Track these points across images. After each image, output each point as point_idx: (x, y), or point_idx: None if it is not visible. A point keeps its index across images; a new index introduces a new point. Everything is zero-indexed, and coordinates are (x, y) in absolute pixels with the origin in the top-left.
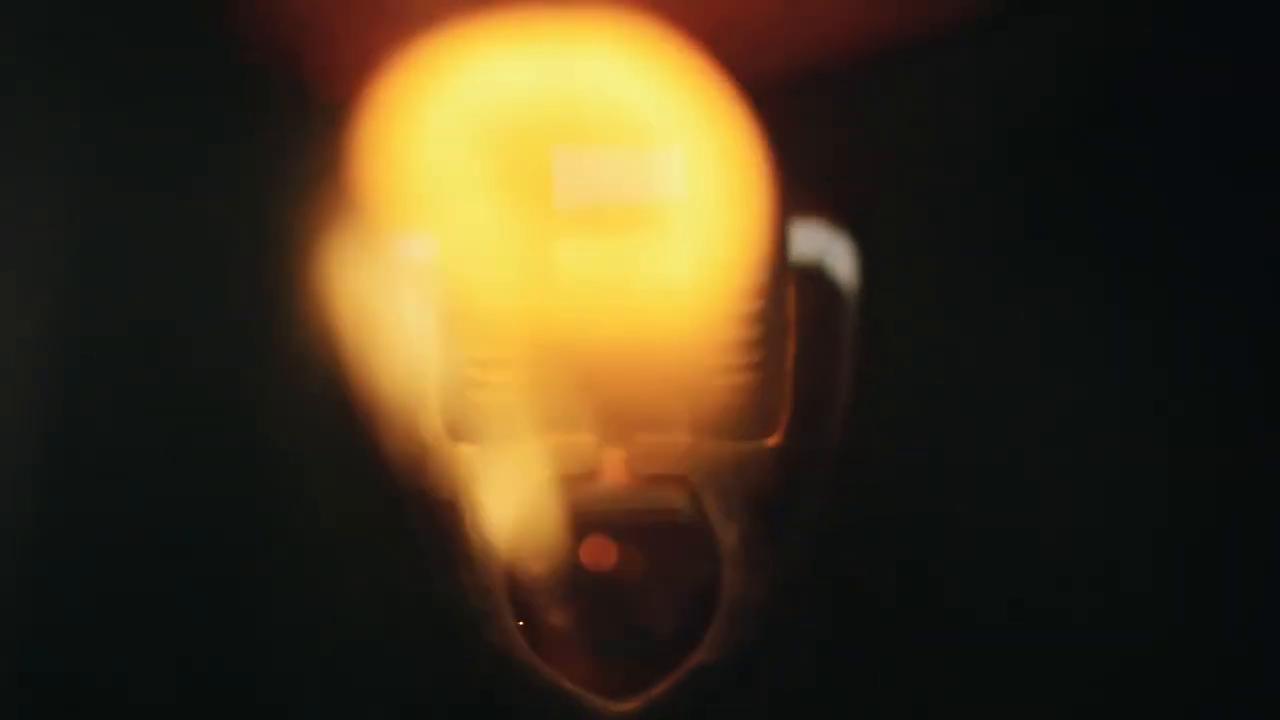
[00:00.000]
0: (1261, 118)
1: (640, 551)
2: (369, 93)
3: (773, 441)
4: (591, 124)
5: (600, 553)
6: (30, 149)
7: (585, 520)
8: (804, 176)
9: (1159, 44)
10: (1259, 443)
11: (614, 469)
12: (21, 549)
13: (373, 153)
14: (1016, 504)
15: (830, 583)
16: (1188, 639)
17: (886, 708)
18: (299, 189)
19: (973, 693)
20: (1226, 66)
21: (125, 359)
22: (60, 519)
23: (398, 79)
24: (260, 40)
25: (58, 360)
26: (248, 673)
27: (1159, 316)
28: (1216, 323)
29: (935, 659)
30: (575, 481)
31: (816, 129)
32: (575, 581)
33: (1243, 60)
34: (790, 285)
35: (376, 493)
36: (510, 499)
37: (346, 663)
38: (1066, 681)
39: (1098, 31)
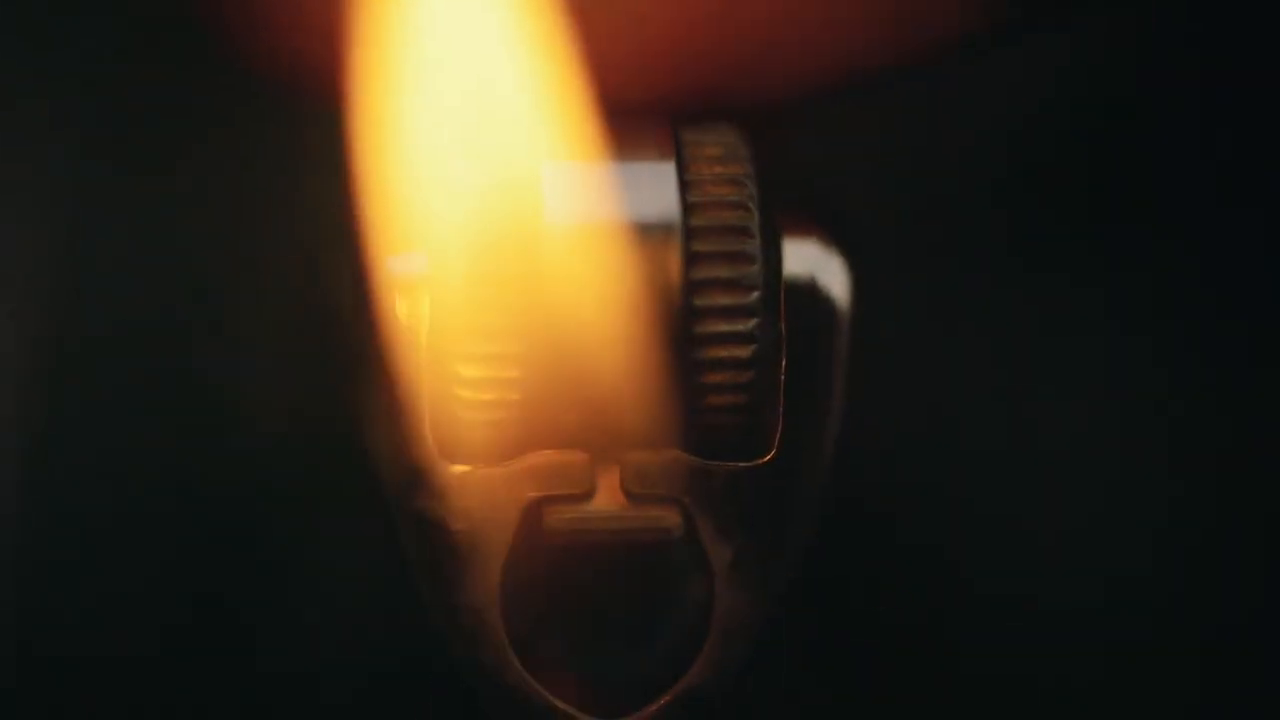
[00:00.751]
0: (1258, 127)
1: (633, 571)
2: (360, 98)
3: (766, 460)
4: (583, 137)
5: (593, 572)
6: (26, 150)
7: (578, 540)
8: (798, 192)
9: (1157, 56)
10: (1258, 442)
11: (607, 489)
12: (15, 547)
13: (364, 163)
14: (1013, 522)
15: (823, 600)
16: (1190, 637)
17: None
18: (294, 194)
19: (971, 707)
20: (1224, 77)
21: (117, 362)
22: (54, 519)
23: (387, 84)
24: (253, 41)
25: (51, 359)
26: (240, 681)
27: (1157, 321)
28: (1215, 325)
29: (931, 677)
30: (568, 502)
31: (811, 145)
32: (568, 600)
33: (1240, 70)
34: (782, 303)
35: (366, 510)
36: (502, 517)
37: (336, 680)
38: (1066, 696)
39: (1097, 44)
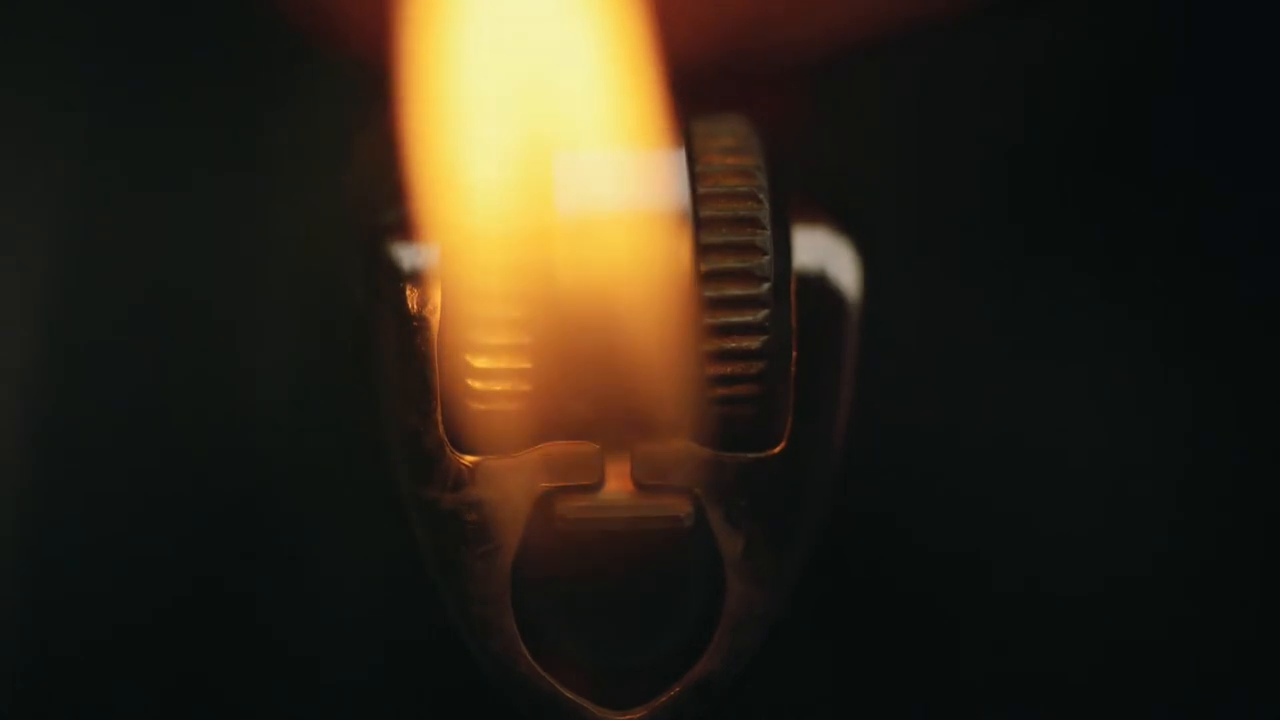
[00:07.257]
0: (1259, 118)
1: (644, 561)
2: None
3: (776, 451)
4: (591, 124)
5: (604, 562)
6: (30, 145)
7: (588, 530)
8: (806, 181)
9: (1159, 44)
10: (1267, 437)
11: (618, 479)
12: (19, 547)
13: (378, 155)
14: (1020, 509)
15: (834, 591)
16: (1200, 634)
17: (892, 715)
18: (305, 185)
19: (979, 698)
20: (1223, 66)
21: (126, 354)
22: (58, 518)
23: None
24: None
25: (58, 348)
26: (250, 670)
27: (1160, 316)
28: (1215, 321)
29: (942, 667)
30: (579, 492)
31: (820, 131)
32: (579, 591)
33: (1240, 59)
34: (792, 293)
35: (378, 501)
36: (513, 508)
37: (346, 672)
38: (1074, 688)
39: (1098, 29)
